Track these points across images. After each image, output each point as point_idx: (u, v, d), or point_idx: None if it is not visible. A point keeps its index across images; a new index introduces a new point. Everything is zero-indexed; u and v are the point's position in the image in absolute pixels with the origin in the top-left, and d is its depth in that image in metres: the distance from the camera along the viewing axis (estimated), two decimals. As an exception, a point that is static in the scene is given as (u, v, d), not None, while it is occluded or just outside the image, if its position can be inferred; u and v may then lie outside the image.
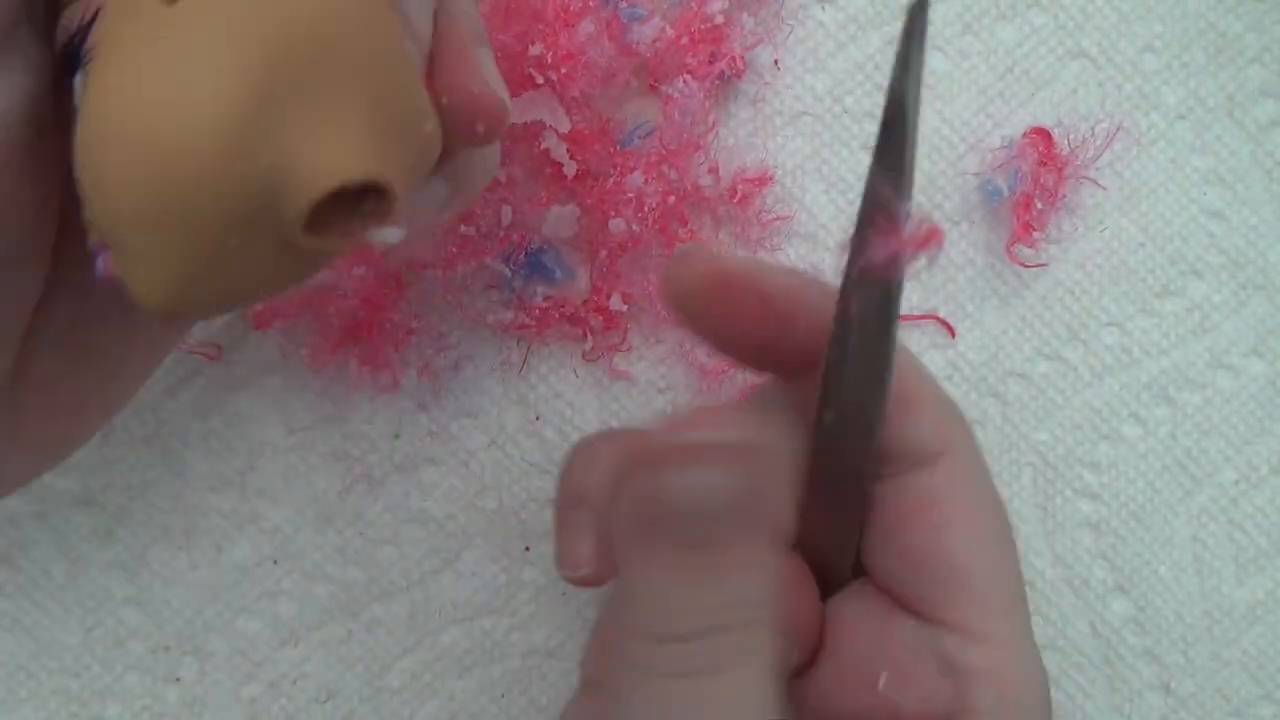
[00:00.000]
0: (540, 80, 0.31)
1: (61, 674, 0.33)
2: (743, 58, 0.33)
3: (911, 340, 0.35)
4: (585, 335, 0.34)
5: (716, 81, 0.33)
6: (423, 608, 0.34)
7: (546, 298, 0.33)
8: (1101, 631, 0.35)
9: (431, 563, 0.34)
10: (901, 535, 0.24)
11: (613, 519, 0.23)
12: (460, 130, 0.23)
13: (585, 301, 0.33)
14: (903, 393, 0.24)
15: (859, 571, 0.25)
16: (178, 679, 0.33)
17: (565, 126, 0.32)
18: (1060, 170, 0.34)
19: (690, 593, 0.22)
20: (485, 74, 0.23)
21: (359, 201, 0.19)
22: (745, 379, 0.34)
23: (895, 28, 0.35)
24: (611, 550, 0.24)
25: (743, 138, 0.34)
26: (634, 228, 0.32)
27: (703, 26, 0.32)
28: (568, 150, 0.32)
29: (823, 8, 0.34)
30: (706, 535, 0.22)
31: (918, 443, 0.24)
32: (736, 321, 0.24)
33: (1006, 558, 0.24)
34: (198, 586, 0.33)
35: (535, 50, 0.31)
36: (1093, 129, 0.35)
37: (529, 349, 0.34)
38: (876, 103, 0.35)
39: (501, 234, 0.33)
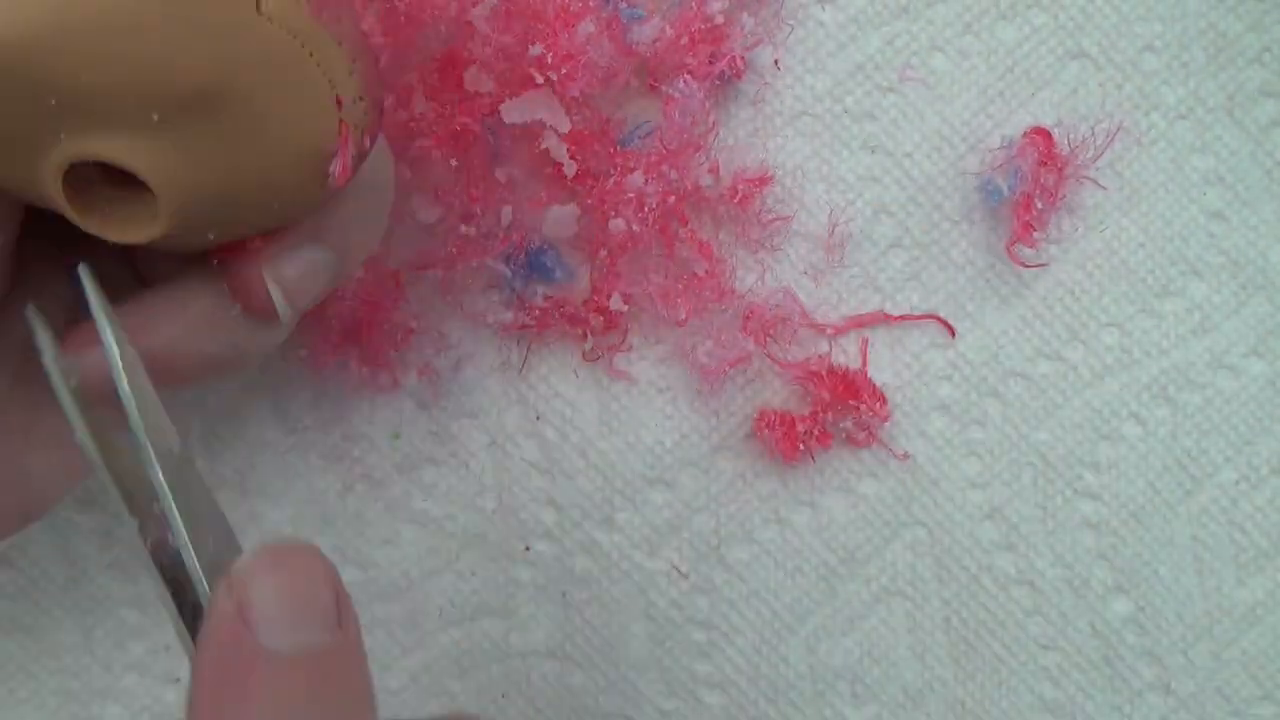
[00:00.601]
0: (540, 80, 0.31)
1: (61, 674, 0.33)
2: (743, 58, 0.33)
3: (912, 340, 0.35)
4: (585, 335, 0.34)
5: (717, 81, 0.33)
6: (422, 608, 0.34)
7: (546, 298, 0.33)
8: (1102, 631, 0.35)
9: (431, 563, 0.34)
10: None
11: None
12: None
13: (585, 301, 0.33)
14: None
15: None
16: (177, 679, 0.33)
17: (565, 126, 0.32)
18: (1060, 170, 0.34)
19: None
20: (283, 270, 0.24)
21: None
22: (745, 380, 0.34)
23: (895, 27, 0.35)
24: None
25: (743, 138, 0.34)
26: (634, 228, 0.32)
27: (703, 26, 0.32)
28: (568, 150, 0.32)
29: (823, 8, 0.34)
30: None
31: None
32: None
33: None
34: (197, 587, 0.33)
35: (535, 50, 0.31)
36: (1093, 129, 0.35)
37: (529, 349, 0.34)
38: (877, 103, 0.35)
39: (501, 234, 0.33)
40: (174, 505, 0.20)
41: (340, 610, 0.20)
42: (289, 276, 0.24)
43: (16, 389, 0.23)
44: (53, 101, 0.20)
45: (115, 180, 0.21)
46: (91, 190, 0.22)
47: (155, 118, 0.21)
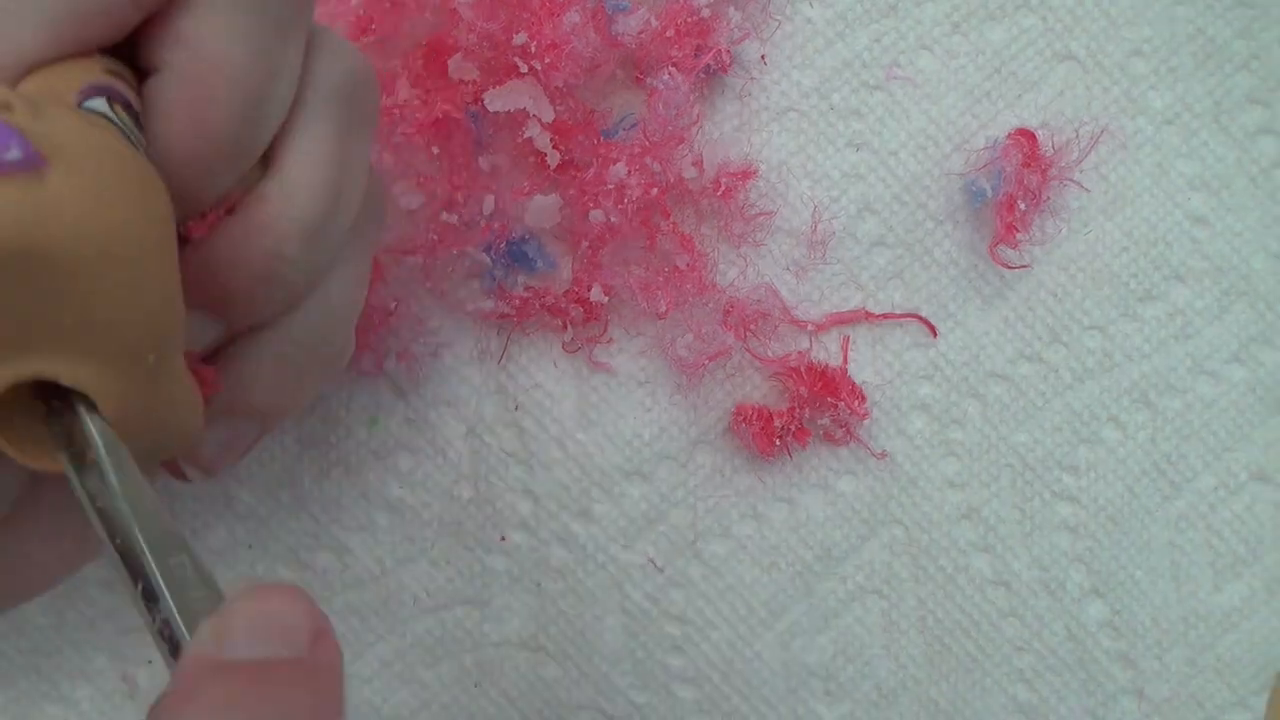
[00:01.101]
0: (524, 69, 0.31)
1: (32, 654, 0.33)
2: (729, 52, 0.33)
3: (893, 339, 0.35)
4: (565, 326, 0.34)
5: (702, 75, 0.33)
6: (395, 596, 0.34)
7: (527, 287, 0.33)
8: (1077, 635, 0.35)
9: (405, 551, 0.34)
10: None
11: None
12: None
13: (566, 292, 0.33)
14: None
15: None
16: (149, 661, 0.33)
17: (549, 116, 0.32)
18: (1044, 172, 0.34)
19: None
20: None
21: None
22: (725, 374, 0.34)
23: (883, 25, 0.35)
24: None
25: (728, 132, 0.34)
26: (613, 219, 0.32)
27: (689, 20, 0.32)
28: (551, 140, 0.32)
29: (811, 4, 0.34)
30: None
31: None
32: None
33: None
34: (171, 569, 0.33)
35: (519, 39, 0.31)
36: (1077, 131, 0.35)
37: (509, 339, 0.34)
38: (863, 100, 0.35)
39: (483, 222, 0.33)
40: (163, 588, 0.20)
41: (313, 636, 0.20)
42: (205, 456, 0.25)
43: (35, 488, 0.24)
44: (67, 320, 0.19)
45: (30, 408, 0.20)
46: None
47: (151, 359, 0.20)
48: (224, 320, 0.23)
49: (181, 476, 0.25)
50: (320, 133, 0.23)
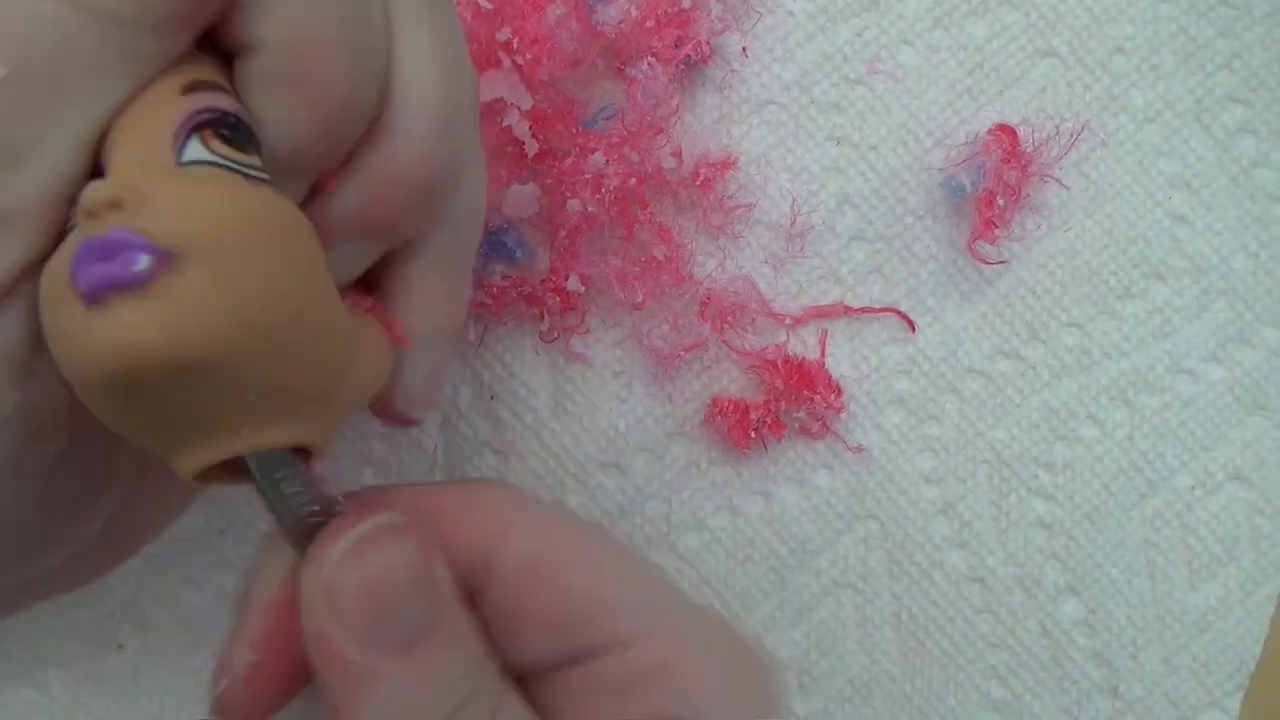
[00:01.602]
0: (507, 63, 0.31)
1: (5, 639, 0.33)
2: (709, 43, 0.33)
3: (871, 333, 0.35)
4: (542, 315, 0.33)
5: (682, 66, 0.33)
6: (368, 583, 0.34)
7: (505, 277, 0.33)
8: (1051, 632, 0.35)
9: (380, 539, 0.34)
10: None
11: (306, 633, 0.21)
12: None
13: (543, 282, 0.33)
14: None
15: None
16: (120, 646, 0.33)
17: (527, 104, 0.31)
18: (1024, 168, 0.34)
19: (421, 689, 0.20)
20: (409, 385, 0.24)
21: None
22: (702, 366, 0.34)
23: (865, 19, 0.34)
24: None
25: (708, 124, 0.34)
26: (589, 208, 0.32)
27: (670, 10, 0.32)
28: (530, 128, 0.32)
29: (793, -3, 0.34)
30: (411, 622, 0.20)
31: None
32: None
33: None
34: (144, 555, 0.33)
35: (503, 34, 0.31)
36: (1058, 128, 0.35)
37: (485, 328, 0.34)
38: (844, 94, 0.35)
39: (460, 211, 0.32)
40: None
41: (430, 596, 0.21)
42: (418, 389, 0.24)
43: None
44: (251, 398, 0.18)
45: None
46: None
47: (338, 387, 0.20)
48: (384, 241, 0.23)
49: (409, 421, 0.25)
50: (417, 34, 0.22)
